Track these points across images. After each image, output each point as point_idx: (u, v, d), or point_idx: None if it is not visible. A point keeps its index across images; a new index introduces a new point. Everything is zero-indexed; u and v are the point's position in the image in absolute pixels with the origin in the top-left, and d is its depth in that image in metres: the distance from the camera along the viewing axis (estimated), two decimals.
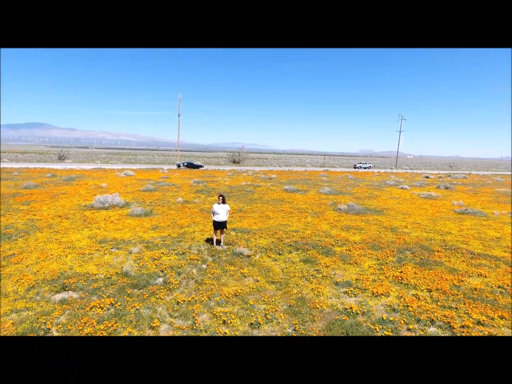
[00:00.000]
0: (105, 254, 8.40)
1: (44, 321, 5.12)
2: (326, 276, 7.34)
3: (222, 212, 9.07)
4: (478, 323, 5.48)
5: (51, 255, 8.17)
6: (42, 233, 10.19)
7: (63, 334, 3.70)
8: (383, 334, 3.74)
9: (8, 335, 3.73)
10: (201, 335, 3.70)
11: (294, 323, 5.32)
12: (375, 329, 5.19)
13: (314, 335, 3.63)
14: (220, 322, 5.31)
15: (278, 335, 4.95)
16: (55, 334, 4.87)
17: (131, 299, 5.96)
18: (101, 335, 3.78)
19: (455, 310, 5.92)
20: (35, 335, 3.75)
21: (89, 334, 4.47)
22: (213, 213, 9.16)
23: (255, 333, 5.04)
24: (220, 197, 9.21)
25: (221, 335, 3.78)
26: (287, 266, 7.89)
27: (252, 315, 5.52)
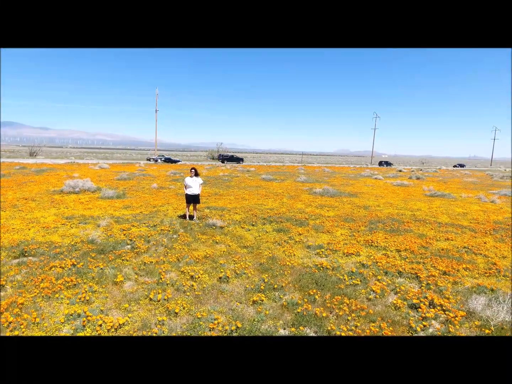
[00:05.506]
0: (72, 227, 8.04)
1: None
2: (299, 241, 7.33)
3: (194, 185, 8.90)
4: (444, 273, 5.62)
5: (13, 228, 7.74)
6: (4, 211, 9.64)
7: (61, 334, 3.54)
8: (382, 335, 3.73)
9: (8, 335, 3.55)
10: (204, 334, 3.61)
11: (263, 277, 5.26)
12: (344, 279, 5.21)
13: (310, 335, 3.60)
14: (188, 277, 5.18)
15: (275, 335, 4.85)
16: (10, 290, 4.60)
17: (94, 261, 5.71)
18: (101, 335, 3.62)
19: (422, 264, 6.05)
20: (34, 335, 3.57)
21: (89, 334, 4.23)
22: (186, 187, 8.97)
23: (224, 286, 4.94)
24: (192, 170, 9.04)
25: (221, 335, 3.71)
26: (260, 235, 7.82)
27: (221, 271, 5.42)
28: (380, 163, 70.51)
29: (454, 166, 79.07)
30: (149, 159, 43.83)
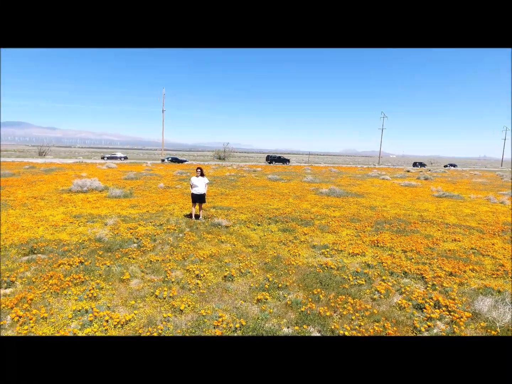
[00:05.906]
0: (79, 226, 8.16)
1: (8, 275, 4.93)
2: (304, 241, 7.33)
3: (200, 185, 8.96)
4: (450, 274, 5.57)
5: (22, 226, 7.88)
6: (14, 210, 9.82)
7: (61, 334, 3.60)
8: (386, 334, 3.69)
9: (8, 335, 3.62)
10: (208, 331, 3.63)
11: (268, 276, 5.28)
12: (349, 279, 5.21)
13: (314, 335, 3.59)
14: (193, 276, 5.23)
15: (278, 334, 4.84)
16: (19, 286, 4.70)
17: (102, 258, 5.79)
18: (101, 335, 3.66)
19: (428, 265, 6.01)
20: (35, 335, 3.64)
21: (89, 334, 4.29)
22: (192, 186, 9.04)
23: (228, 285, 4.98)
24: (198, 170, 9.10)
25: (225, 334, 3.73)
26: (265, 234, 7.84)
27: (226, 270, 5.45)
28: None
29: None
30: (103, 157, 44.72)
